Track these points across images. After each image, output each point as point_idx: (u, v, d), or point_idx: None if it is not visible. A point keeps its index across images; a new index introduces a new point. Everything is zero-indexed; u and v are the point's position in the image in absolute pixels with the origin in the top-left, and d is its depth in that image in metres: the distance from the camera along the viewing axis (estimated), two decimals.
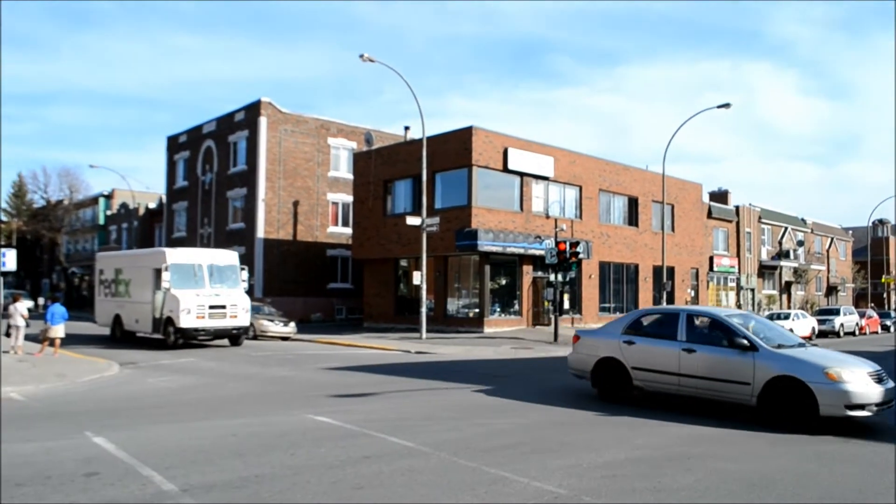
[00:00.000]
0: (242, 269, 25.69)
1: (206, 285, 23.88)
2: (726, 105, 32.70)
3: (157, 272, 23.93)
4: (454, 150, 30.80)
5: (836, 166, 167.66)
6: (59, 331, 20.15)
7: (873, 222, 70.50)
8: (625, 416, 11.04)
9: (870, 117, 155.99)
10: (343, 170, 42.51)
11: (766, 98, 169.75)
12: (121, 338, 26.86)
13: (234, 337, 24.95)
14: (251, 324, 28.92)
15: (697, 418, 10.92)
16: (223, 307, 23.74)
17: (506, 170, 31.55)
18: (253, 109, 40.42)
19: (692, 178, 49.36)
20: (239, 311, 24.19)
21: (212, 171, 43.91)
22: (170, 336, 23.32)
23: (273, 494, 6.54)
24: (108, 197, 68.71)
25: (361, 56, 26.28)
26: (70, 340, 23.74)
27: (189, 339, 23.38)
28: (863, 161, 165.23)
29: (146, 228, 58.78)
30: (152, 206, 59.48)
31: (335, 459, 7.89)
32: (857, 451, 8.80)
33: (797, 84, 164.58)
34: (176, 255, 24.12)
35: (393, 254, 33.85)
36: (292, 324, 29.60)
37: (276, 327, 28.79)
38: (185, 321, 22.86)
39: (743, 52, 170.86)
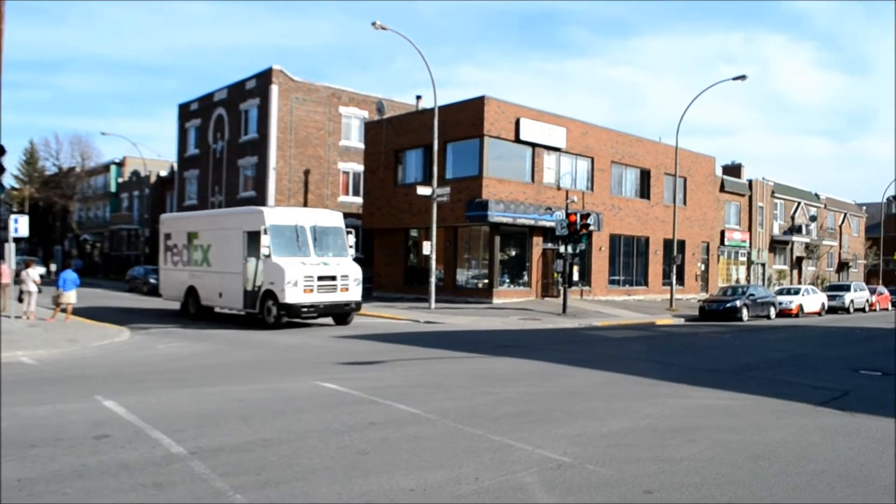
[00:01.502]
0: (349, 232, 22.27)
1: (310, 252, 20.25)
2: (742, 77, 32.29)
3: (251, 236, 20.60)
4: (466, 119, 30.64)
5: (851, 141, 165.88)
6: (70, 297, 20.32)
7: (888, 198, 69.82)
8: (635, 386, 11.08)
9: (886, 92, 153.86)
10: (354, 139, 42.40)
11: (780, 71, 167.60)
12: (196, 314, 23.38)
13: (344, 315, 21.43)
14: None
15: (704, 388, 10.95)
16: (333, 278, 20.23)
17: (517, 140, 31.39)
18: (264, 77, 40.26)
19: (705, 151, 49.00)
20: (350, 283, 20.60)
21: (223, 140, 43.90)
22: (269, 313, 19.87)
23: (279, 458, 6.62)
24: (120, 164, 68.89)
25: (374, 24, 26.07)
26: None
27: (294, 317, 19.76)
28: (878, 136, 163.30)
29: (157, 196, 58.98)
30: (163, 173, 59.61)
31: (341, 425, 7.97)
32: (860, 424, 8.81)
33: (812, 57, 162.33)
34: (275, 216, 20.41)
35: (403, 224, 33.85)
36: None
37: None
38: (291, 295, 19.27)
39: (757, 24, 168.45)
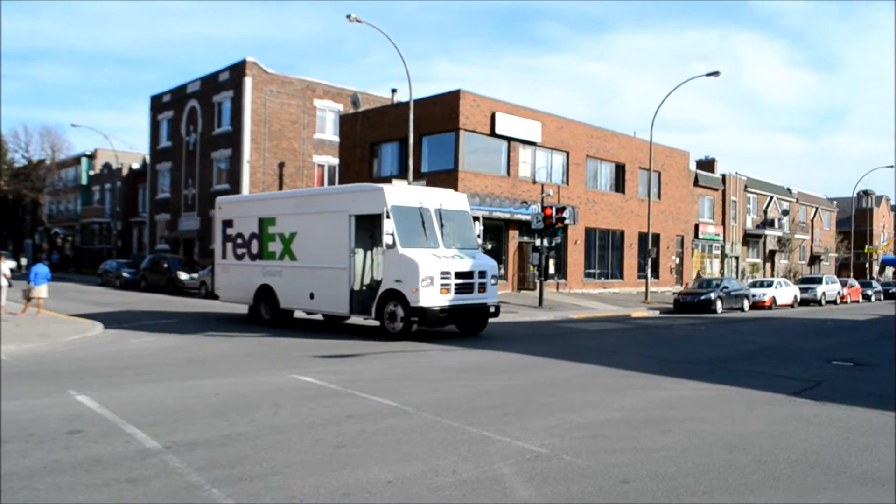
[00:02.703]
0: (476, 218, 18.38)
1: (438, 242, 16.26)
2: (715, 73, 32.55)
3: (361, 220, 16.86)
4: (441, 113, 30.60)
5: (822, 138, 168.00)
6: (41, 291, 20.02)
7: (858, 193, 70.88)
8: (611, 379, 11.16)
9: (856, 90, 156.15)
10: (329, 132, 42.20)
11: (753, 69, 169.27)
12: (272, 320, 18.95)
13: (480, 321, 17.20)
14: None
15: (679, 380, 11.04)
16: (470, 275, 16.23)
17: (493, 134, 31.41)
18: (238, 69, 39.90)
19: (679, 146, 49.49)
20: (488, 281, 16.71)
21: (196, 132, 43.47)
22: (394, 319, 15.75)
23: (255, 452, 6.57)
24: (91, 157, 67.98)
25: (349, 16, 25.89)
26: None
27: (429, 325, 15.97)
28: (848, 134, 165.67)
29: (129, 189, 58.28)
30: (136, 166, 58.91)
31: (318, 419, 7.93)
32: (832, 413, 8.93)
33: (785, 55, 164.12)
34: (398, 194, 16.28)
35: None
36: None
37: None
38: (427, 297, 15.26)
39: (731, 21, 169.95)
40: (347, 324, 19.63)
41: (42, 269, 20.23)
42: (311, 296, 17.72)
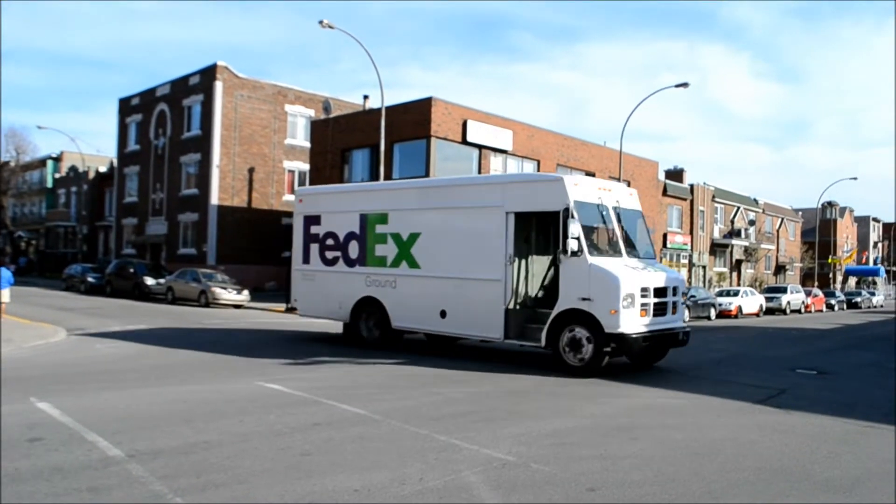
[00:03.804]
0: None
1: (621, 249, 13.05)
2: (684, 84, 32.93)
3: (525, 220, 13.65)
4: (413, 120, 30.60)
5: (788, 149, 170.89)
6: (4, 295, 19.61)
7: (822, 204, 72.14)
8: (579, 386, 11.20)
9: (820, 102, 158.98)
10: (300, 137, 42.00)
11: (720, 80, 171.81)
12: (377, 341, 15.51)
13: (663, 350, 13.89)
14: (203, 291, 28.66)
15: (647, 387, 11.12)
16: (665, 292, 12.97)
17: (465, 142, 31.48)
18: (208, 73, 39.57)
19: (649, 155, 49.87)
20: (679, 299, 13.62)
21: (165, 136, 42.99)
22: (579, 350, 12.26)
23: (220, 460, 6.49)
24: (57, 160, 66.96)
25: (321, 22, 25.81)
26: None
27: (634, 356, 13.18)
28: (813, 145, 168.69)
29: (96, 193, 57.46)
30: (103, 169, 58.12)
31: (284, 426, 7.85)
32: (796, 421, 9.06)
33: (750, 67, 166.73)
34: (577, 187, 12.77)
35: None
36: (245, 292, 29.32)
37: (228, 295, 28.49)
38: (627, 321, 12.00)
39: (698, 33, 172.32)
40: (486, 348, 16.27)
41: (5, 273, 19.81)
42: (443, 314, 14.14)
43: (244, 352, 14.70)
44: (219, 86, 38.88)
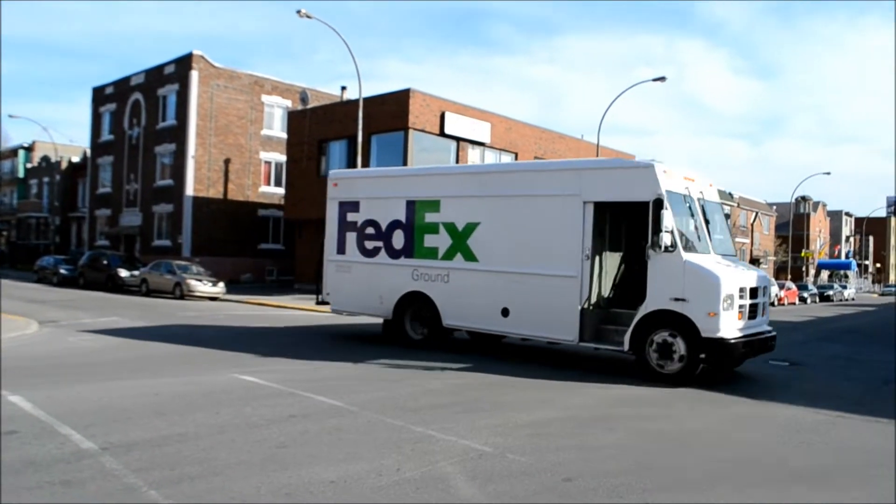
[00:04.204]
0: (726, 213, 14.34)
1: (708, 244, 11.96)
2: (662, 78, 33.13)
3: (603, 211, 12.37)
4: (391, 112, 30.50)
5: (764, 144, 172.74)
6: None
7: (796, 199, 72.99)
8: (562, 379, 11.25)
9: (795, 98, 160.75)
10: (277, 128, 41.68)
11: (698, 75, 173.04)
12: (424, 341, 14.32)
13: (759, 353, 12.26)
14: (178, 283, 28.42)
15: (625, 379, 11.20)
16: (756, 293, 11.92)
17: (442, 134, 31.42)
18: (184, 63, 39.12)
19: (626, 149, 50.12)
20: (768, 301, 12.84)
21: (139, 126, 42.47)
22: (669, 357, 11.07)
23: (196, 453, 6.44)
24: (29, 149, 65.90)
25: (299, 12, 25.61)
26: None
27: (733, 364, 12.08)
28: (788, 140, 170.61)
29: (69, 183, 56.69)
30: (76, 160, 57.32)
31: (260, 418, 7.81)
32: (769, 412, 9.19)
33: (728, 63, 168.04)
34: (667, 175, 11.62)
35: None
36: (221, 284, 29.10)
37: (204, 287, 28.25)
38: (727, 325, 10.88)
39: (676, 28, 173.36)
40: (553, 349, 14.93)
41: None
42: (505, 312, 12.99)
43: (221, 344, 14.59)
44: (194, 75, 38.46)
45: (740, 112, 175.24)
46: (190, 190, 38.25)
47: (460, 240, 13.78)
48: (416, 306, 14.47)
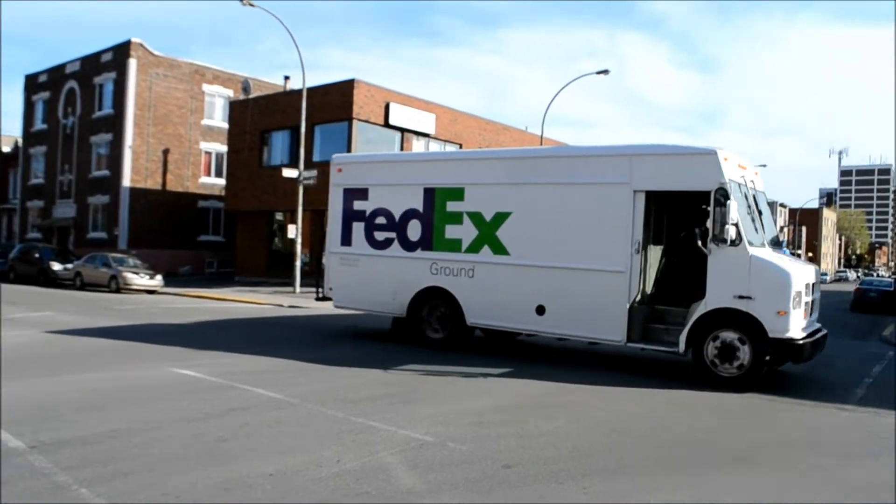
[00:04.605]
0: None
1: (763, 238, 11.06)
2: (605, 71, 33.59)
3: (654, 200, 11.35)
4: (335, 102, 30.25)
5: (704, 136, 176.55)
6: None
7: None
8: (503, 368, 11.32)
9: (735, 92, 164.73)
10: (218, 118, 40.92)
11: (639, 68, 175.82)
12: (444, 339, 13.13)
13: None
14: (114, 276, 27.73)
15: (572, 367, 11.33)
16: (812, 288, 11.18)
17: (387, 125, 31.32)
18: (122, 50, 38.09)
19: (570, 141, 50.62)
20: (818, 295, 12.04)
21: (74, 115, 41.23)
22: (730, 359, 10.21)
23: (130, 449, 6.29)
24: None
25: (242, 0, 25.18)
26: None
27: (801, 358, 10.40)
28: (726, 132, 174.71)
29: None
30: (6, 149, 55.29)
31: (198, 412, 7.66)
32: (704, 397, 9.41)
33: (669, 57, 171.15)
34: (728, 163, 10.70)
35: (268, 206, 33.09)
36: (159, 276, 28.47)
37: (141, 280, 27.61)
38: (796, 324, 10.19)
39: (618, 22, 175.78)
40: (566, 347, 13.77)
41: None
42: (540, 310, 11.93)
43: (158, 338, 14.27)
44: (132, 63, 37.47)
45: (680, 105, 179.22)
46: (127, 181, 37.34)
47: (488, 231, 12.66)
48: (433, 303, 13.29)
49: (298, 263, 27.45)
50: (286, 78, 39.39)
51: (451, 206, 13.12)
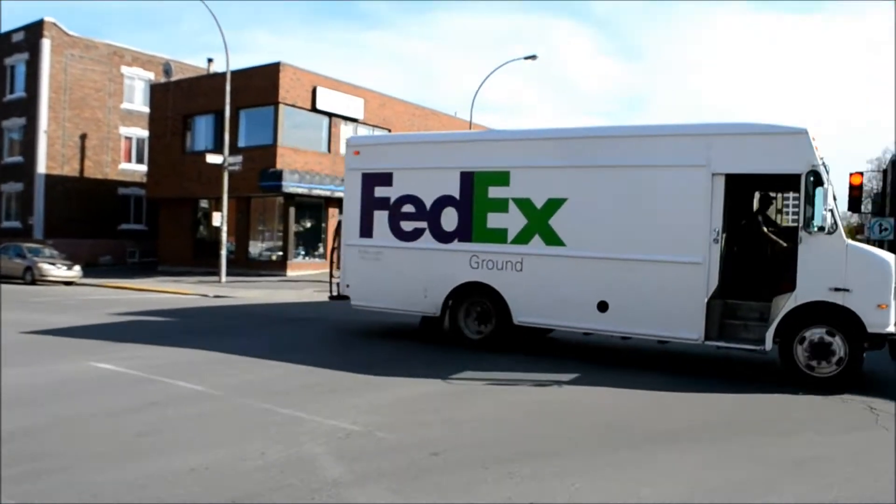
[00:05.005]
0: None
1: (839, 223, 9.99)
2: (532, 57, 33.84)
3: (733, 184, 10.39)
4: (260, 86, 29.68)
5: (627, 121, 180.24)
6: None
7: None
8: (437, 353, 11.32)
9: (657, 79, 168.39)
10: (138, 102, 39.61)
11: (567, 55, 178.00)
12: (487, 340, 11.84)
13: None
14: (28, 267, 26.68)
15: (496, 354, 11.42)
16: None
17: (314, 109, 30.91)
18: (34, 30, 36.42)
19: (500, 126, 50.90)
20: None
21: None
22: (824, 358, 9.36)
23: (44, 447, 6.04)
24: None
25: None
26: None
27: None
28: (650, 119, 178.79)
29: None
30: None
31: (117, 407, 7.42)
32: (627, 379, 9.61)
33: (594, 44, 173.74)
34: (816, 143, 9.82)
35: (192, 193, 32.30)
36: (77, 267, 27.48)
37: (58, 271, 26.62)
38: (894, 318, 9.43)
39: (545, 8, 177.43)
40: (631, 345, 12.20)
41: None
42: (602, 307, 10.82)
43: (76, 331, 13.77)
44: (46, 44, 35.88)
45: (605, 91, 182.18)
46: (42, 167, 35.84)
47: (540, 220, 11.38)
48: (472, 300, 12.10)
49: (224, 252, 26.89)
50: (209, 60, 38.43)
51: (494, 192, 11.82)
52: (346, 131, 32.83)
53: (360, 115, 33.07)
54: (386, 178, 12.91)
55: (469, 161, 12.13)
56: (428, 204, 12.40)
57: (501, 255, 11.66)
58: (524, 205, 11.50)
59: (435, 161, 12.60)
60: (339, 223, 13.92)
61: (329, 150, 31.91)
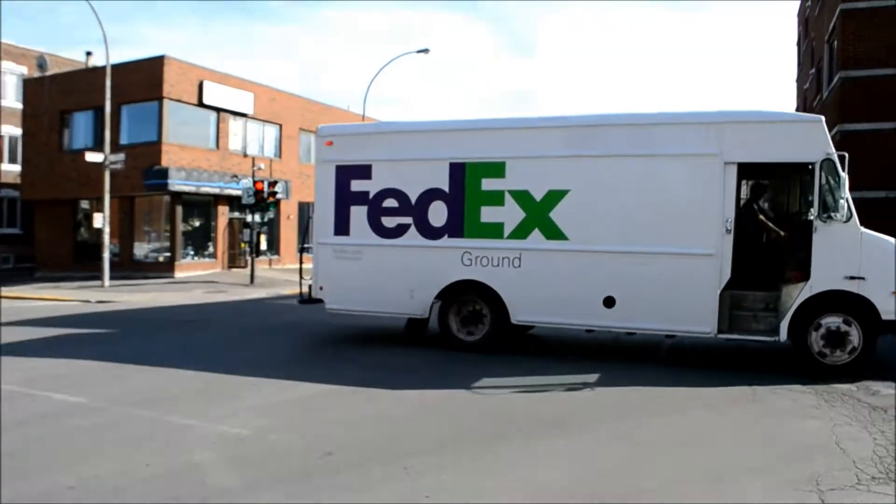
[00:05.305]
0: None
1: (853, 211, 9.91)
2: (425, 50, 33.98)
3: (746, 173, 10.90)
4: (143, 80, 28.53)
5: (520, 113, 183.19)
6: None
7: None
8: (328, 349, 11.19)
9: (546, 74, 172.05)
10: (10, 98, 37.30)
11: (460, 49, 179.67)
12: (482, 342, 11.21)
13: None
14: None
15: (389, 345, 11.40)
16: None
17: (201, 104, 29.99)
18: None
19: (392, 118, 50.85)
20: None
21: None
22: (839, 346, 9.47)
23: None
24: None
25: None
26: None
27: None
28: (541, 112, 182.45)
29: None
30: None
31: None
32: (519, 369, 9.79)
33: (487, 39, 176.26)
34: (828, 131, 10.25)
35: (71, 194, 30.74)
36: None
37: None
38: None
39: (438, 2, 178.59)
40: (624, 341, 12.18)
41: None
42: (609, 302, 10.42)
43: None
44: None
45: (499, 87, 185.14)
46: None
47: (539, 213, 10.84)
48: (464, 299, 11.40)
49: (107, 255, 25.66)
50: (88, 54, 36.55)
51: (488, 185, 11.17)
52: (235, 126, 32.07)
53: (249, 110, 32.33)
54: (364, 171, 12.01)
55: (459, 151, 11.45)
56: (413, 198, 11.63)
57: (497, 250, 11.06)
58: (522, 197, 10.96)
59: (420, 152, 11.83)
60: (309, 220, 13.14)
61: (217, 146, 31.02)
